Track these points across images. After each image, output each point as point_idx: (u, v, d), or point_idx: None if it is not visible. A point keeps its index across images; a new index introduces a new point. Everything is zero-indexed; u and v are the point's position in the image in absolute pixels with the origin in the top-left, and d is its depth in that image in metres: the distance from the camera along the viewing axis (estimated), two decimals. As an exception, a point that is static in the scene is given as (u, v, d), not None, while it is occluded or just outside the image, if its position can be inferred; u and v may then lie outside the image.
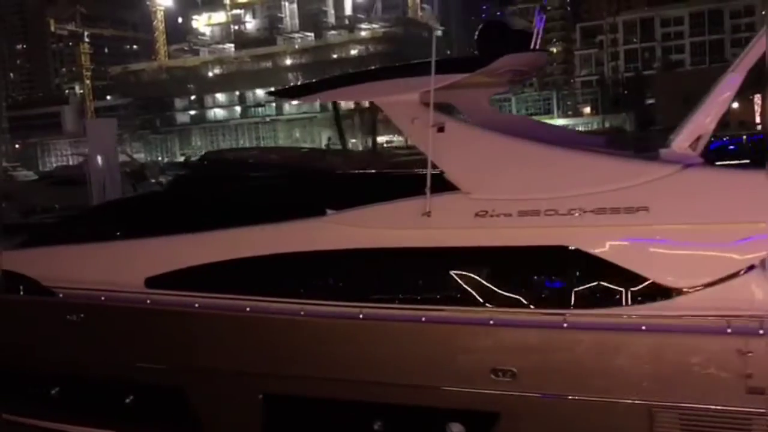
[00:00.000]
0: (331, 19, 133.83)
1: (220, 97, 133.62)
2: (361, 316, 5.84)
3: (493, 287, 5.65)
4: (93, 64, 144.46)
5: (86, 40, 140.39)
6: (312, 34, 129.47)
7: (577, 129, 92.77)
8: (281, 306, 6.17)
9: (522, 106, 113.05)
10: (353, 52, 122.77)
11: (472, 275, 5.75)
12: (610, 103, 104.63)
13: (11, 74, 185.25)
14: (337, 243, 6.11)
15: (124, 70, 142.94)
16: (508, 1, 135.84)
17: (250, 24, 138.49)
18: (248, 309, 6.20)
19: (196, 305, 6.36)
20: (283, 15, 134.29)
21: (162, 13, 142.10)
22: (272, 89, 9.33)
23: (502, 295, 5.61)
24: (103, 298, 6.71)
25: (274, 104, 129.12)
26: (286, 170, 7.62)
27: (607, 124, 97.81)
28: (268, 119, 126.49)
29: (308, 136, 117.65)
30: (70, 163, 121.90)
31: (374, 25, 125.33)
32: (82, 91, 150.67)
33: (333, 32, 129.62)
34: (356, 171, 7.42)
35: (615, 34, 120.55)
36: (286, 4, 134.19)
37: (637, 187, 5.31)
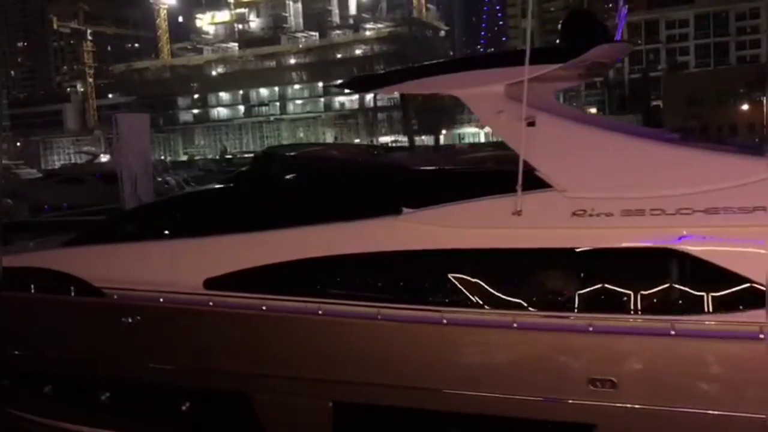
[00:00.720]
0: (336, 18, 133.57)
1: (224, 96, 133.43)
2: (444, 321, 5.47)
3: (590, 291, 5.28)
4: (96, 62, 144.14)
5: (89, 38, 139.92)
6: (316, 34, 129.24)
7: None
8: (353, 309, 5.81)
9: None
10: (358, 51, 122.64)
11: (567, 278, 5.39)
12: (616, 104, 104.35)
13: (12, 72, 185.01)
14: (414, 243, 5.75)
15: (128, 68, 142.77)
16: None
17: (254, 23, 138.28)
18: (320, 312, 5.84)
19: (263, 308, 6.00)
20: (287, 14, 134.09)
21: (165, 11, 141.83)
22: (340, 81, 8.95)
23: (601, 300, 5.24)
24: (161, 299, 6.35)
25: (278, 103, 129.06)
26: (356, 166, 7.22)
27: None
28: (272, 118, 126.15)
29: (313, 136, 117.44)
30: (73, 161, 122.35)
31: (379, 25, 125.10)
32: (83, 89, 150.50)
33: (338, 32, 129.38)
34: (431, 167, 7.02)
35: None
36: (291, 3, 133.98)
37: (754, 185, 4.95)
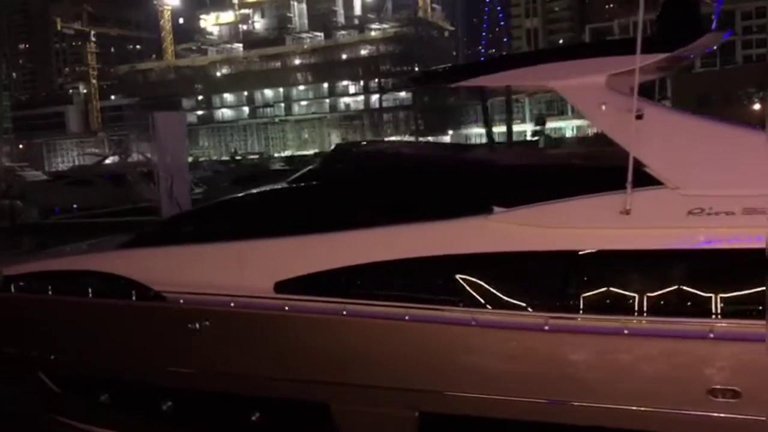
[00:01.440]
0: (341, 18, 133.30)
1: (228, 97, 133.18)
2: (546, 328, 5.09)
3: (708, 295, 4.91)
4: (99, 64, 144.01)
5: (93, 39, 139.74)
6: (321, 34, 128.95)
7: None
8: (441, 314, 5.44)
9: (535, 107, 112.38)
10: (363, 52, 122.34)
11: (682, 281, 5.01)
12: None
13: (14, 74, 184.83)
14: (508, 245, 5.36)
15: (132, 69, 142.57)
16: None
17: (259, 24, 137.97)
18: (407, 318, 5.48)
19: (344, 312, 5.64)
20: (292, 15, 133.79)
21: (169, 12, 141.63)
22: (417, 73, 8.56)
23: (721, 304, 4.87)
24: (232, 304, 5.99)
25: (282, 104, 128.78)
26: (436, 163, 6.84)
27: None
28: (277, 120, 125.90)
29: (317, 137, 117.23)
30: (77, 163, 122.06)
31: (385, 25, 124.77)
32: (85, 91, 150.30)
33: (343, 32, 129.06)
34: (519, 163, 6.64)
35: (626, 35, 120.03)
36: (295, 3, 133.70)
37: None
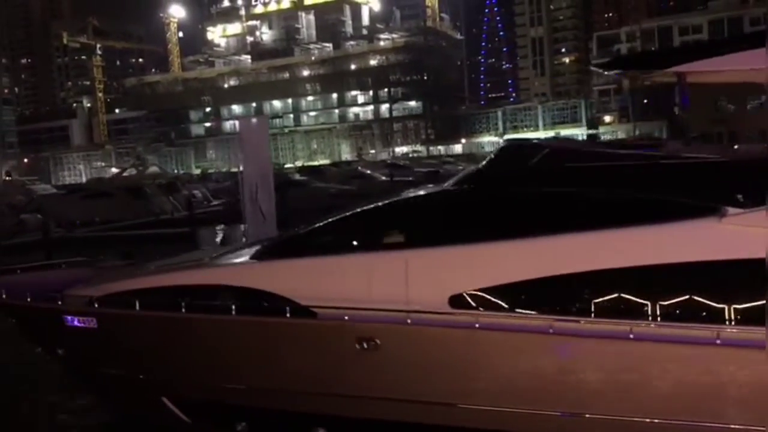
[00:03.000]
0: (349, 29, 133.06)
1: (237, 108, 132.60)
2: None
3: None
4: (105, 77, 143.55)
5: (98, 52, 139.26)
6: (330, 45, 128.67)
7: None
8: (671, 331, 4.67)
9: (548, 115, 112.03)
10: (373, 62, 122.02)
11: None
12: (640, 110, 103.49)
13: (16, 88, 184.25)
14: (748, 251, 4.51)
15: (139, 82, 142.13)
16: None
17: (267, 35, 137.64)
18: (631, 336, 4.73)
19: (550, 330, 4.84)
20: (300, 26, 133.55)
21: (175, 24, 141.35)
22: (606, 59, 7.74)
23: None
24: (409, 321, 5.20)
25: (291, 115, 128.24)
26: (638, 159, 6.00)
27: (638, 132, 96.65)
28: (286, 130, 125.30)
29: (327, 148, 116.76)
30: (82, 177, 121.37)
31: (394, 35, 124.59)
32: (90, 105, 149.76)
33: (352, 42, 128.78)
34: (740, 159, 5.84)
35: (633, 42, 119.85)
36: (303, 14, 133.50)
37: None
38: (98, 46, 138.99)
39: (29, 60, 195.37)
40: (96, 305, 6.55)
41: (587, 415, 4.97)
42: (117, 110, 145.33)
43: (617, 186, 5.34)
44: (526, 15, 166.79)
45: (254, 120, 20.49)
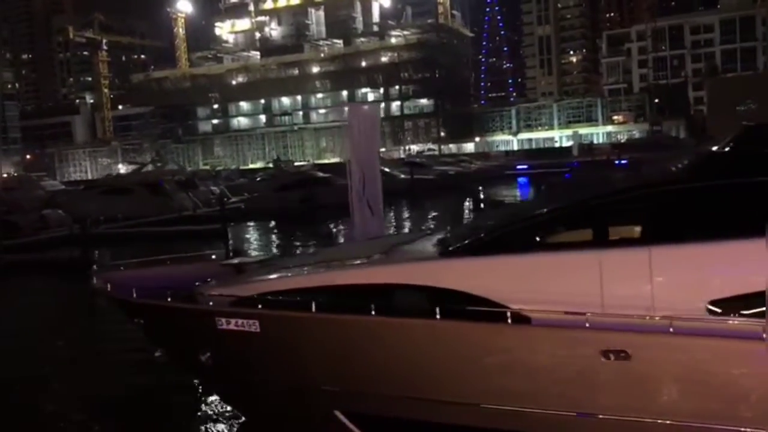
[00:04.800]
0: (360, 25, 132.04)
1: (245, 105, 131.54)
2: None
3: None
4: (110, 72, 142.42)
5: (104, 47, 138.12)
6: (341, 41, 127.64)
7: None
8: None
9: (563, 114, 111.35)
10: (384, 59, 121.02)
11: None
12: (656, 110, 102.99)
13: (17, 84, 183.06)
14: None
15: (147, 78, 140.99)
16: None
17: (276, 31, 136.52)
18: None
19: None
20: (309, 22, 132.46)
21: (183, 20, 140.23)
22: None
23: None
24: (671, 329, 4.43)
25: (300, 113, 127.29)
26: None
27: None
28: (295, 128, 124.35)
29: (337, 145, 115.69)
30: (88, 174, 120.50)
31: (406, 32, 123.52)
32: (93, 101, 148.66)
33: (362, 39, 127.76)
34: None
35: (643, 41, 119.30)
36: (313, 11, 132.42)
37: None
38: (104, 41, 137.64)
39: (30, 55, 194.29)
40: (260, 306, 5.73)
41: None
42: (120, 107, 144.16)
43: None
44: (533, 13, 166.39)
45: (365, 107, 19.51)
